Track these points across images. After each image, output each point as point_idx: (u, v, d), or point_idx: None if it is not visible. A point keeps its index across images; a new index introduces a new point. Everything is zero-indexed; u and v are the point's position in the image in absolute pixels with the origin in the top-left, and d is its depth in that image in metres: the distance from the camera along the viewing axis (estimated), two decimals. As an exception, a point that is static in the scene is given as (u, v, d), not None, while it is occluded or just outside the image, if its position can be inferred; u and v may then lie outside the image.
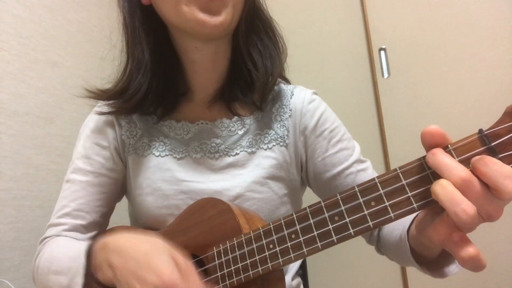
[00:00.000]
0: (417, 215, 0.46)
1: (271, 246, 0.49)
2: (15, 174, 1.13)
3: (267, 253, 0.49)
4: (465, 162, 0.35)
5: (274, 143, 0.71)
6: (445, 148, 0.37)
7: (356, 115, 1.58)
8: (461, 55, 1.45)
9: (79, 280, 0.55)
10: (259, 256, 0.50)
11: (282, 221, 0.48)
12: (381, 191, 0.40)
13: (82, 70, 1.45)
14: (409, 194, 0.39)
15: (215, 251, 0.55)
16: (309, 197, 0.76)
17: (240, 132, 0.71)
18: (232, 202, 0.63)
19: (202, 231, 0.59)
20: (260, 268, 0.50)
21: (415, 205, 0.38)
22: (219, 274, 0.54)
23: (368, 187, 0.41)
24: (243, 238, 0.52)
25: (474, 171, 0.34)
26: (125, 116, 0.73)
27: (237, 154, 0.70)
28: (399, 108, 1.53)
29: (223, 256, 0.54)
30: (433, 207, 0.38)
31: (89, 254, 0.56)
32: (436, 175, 0.37)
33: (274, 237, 0.49)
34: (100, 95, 0.70)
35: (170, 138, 0.72)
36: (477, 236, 0.36)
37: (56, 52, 1.35)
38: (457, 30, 1.45)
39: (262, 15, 0.72)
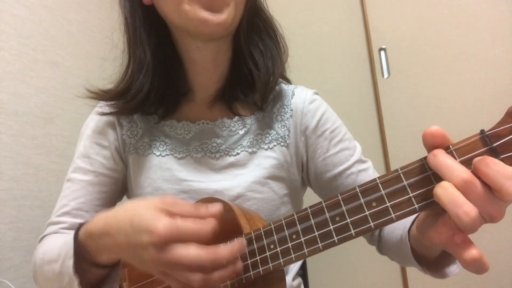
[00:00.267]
0: (418, 215, 0.46)
1: (272, 246, 0.49)
2: (15, 174, 1.13)
3: (267, 253, 0.49)
4: (467, 163, 0.35)
5: (275, 143, 0.71)
6: (447, 149, 0.37)
7: (356, 115, 1.58)
8: (461, 55, 1.44)
9: (70, 262, 0.52)
10: (260, 256, 0.50)
11: (283, 221, 0.48)
12: (383, 192, 0.40)
13: (82, 70, 1.45)
14: (411, 194, 0.39)
15: (215, 251, 0.55)
16: (310, 197, 0.76)
17: (241, 132, 0.71)
18: (233, 202, 0.63)
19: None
20: (261, 269, 0.49)
21: (416, 206, 0.38)
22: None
23: (369, 188, 0.41)
24: (243, 238, 0.52)
25: (475, 172, 0.34)
26: (126, 116, 0.73)
27: (237, 154, 0.70)
28: (399, 108, 1.53)
29: (223, 256, 0.54)
30: (434, 208, 0.38)
31: (78, 239, 0.53)
32: (437, 176, 0.37)
33: (275, 237, 0.49)
34: (101, 95, 0.70)
35: (171, 138, 0.72)
36: (477, 236, 0.36)
37: (56, 52, 1.34)
38: (457, 30, 1.45)
39: (263, 15, 0.72)
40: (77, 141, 0.75)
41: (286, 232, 0.48)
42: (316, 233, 0.45)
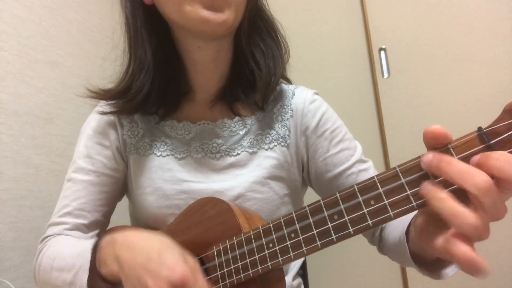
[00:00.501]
0: (415, 218, 0.46)
1: (270, 245, 0.49)
2: (15, 174, 1.13)
3: (266, 252, 0.49)
4: (464, 160, 0.35)
5: (275, 143, 0.71)
6: (445, 147, 0.37)
7: (356, 115, 1.58)
8: (461, 55, 1.44)
9: (84, 275, 0.55)
10: (258, 255, 0.50)
11: (282, 220, 0.48)
12: (381, 190, 0.40)
13: (82, 70, 1.45)
14: (408, 192, 0.39)
15: (215, 250, 0.55)
16: (310, 197, 0.75)
17: (242, 132, 0.71)
18: (233, 202, 0.63)
19: (202, 230, 0.59)
20: (259, 267, 0.50)
21: (414, 203, 0.38)
22: (219, 273, 0.54)
23: (368, 186, 0.41)
24: (242, 237, 0.52)
25: (482, 169, 0.34)
26: (127, 116, 0.73)
27: (238, 154, 0.70)
28: (399, 108, 1.53)
29: (223, 255, 0.54)
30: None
31: (95, 251, 0.56)
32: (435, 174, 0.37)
33: (274, 236, 0.49)
34: (102, 95, 0.70)
35: (172, 138, 0.72)
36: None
37: (56, 52, 1.35)
38: (457, 30, 1.45)
39: (265, 15, 0.72)
40: (77, 141, 0.75)
41: (285, 231, 0.48)
42: (315, 232, 0.45)
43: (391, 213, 0.40)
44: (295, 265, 0.79)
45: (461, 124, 1.42)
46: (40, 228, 1.17)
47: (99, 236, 0.56)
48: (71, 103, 1.36)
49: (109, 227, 0.75)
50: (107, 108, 0.70)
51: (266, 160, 0.69)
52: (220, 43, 0.68)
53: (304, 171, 0.74)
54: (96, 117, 0.74)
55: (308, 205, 0.46)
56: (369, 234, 0.72)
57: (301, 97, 0.74)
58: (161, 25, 0.68)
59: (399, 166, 0.40)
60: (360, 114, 1.58)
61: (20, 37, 1.21)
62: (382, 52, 1.57)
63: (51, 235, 0.68)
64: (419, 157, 0.39)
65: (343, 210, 0.43)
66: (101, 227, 0.72)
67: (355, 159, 0.70)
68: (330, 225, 0.44)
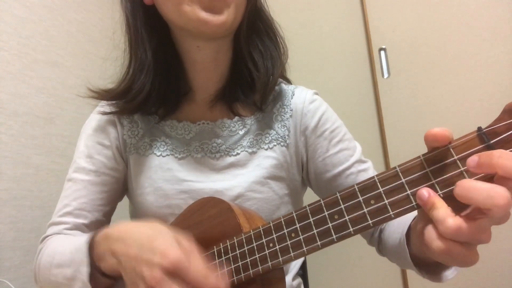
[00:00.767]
0: (415, 221, 0.46)
1: (271, 244, 0.49)
2: (15, 174, 1.13)
3: (267, 252, 0.49)
4: (464, 160, 0.35)
5: (275, 143, 0.71)
6: (445, 147, 0.37)
7: (356, 115, 1.58)
8: (461, 55, 1.44)
9: (84, 269, 0.54)
10: (259, 255, 0.50)
11: (282, 219, 0.49)
12: (381, 190, 0.41)
13: (82, 70, 1.45)
14: (408, 192, 0.39)
15: (215, 249, 0.55)
16: (310, 197, 0.76)
17: (241, 132, 0.71)
18: (233, 202, 0.63)
19: (202, 230, 0.59)
20: (260, 267, 0.50)
21: (414, 203, 0.38)
22: (219, 272, 0.54)
23: (368, 186, 0.42)
24: (243, 237, 0.52)
25: (485, 169, 0.33)
26: (127, 116, 0.73)
27: (238, 154, 0.70)
28: (399, 108, 1.53)
29: (223, 255, 0.54)
30: None
31: (91, 246, 0.55)
32: (435, 173, 0.37)
33: (274, 235, 0.49)
34: (103, 95, 0.70)
35: (172, 138, 0.72)
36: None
37: (56, 52, 1.35)
38: (457, 30, 1.45)
39: (264, 16, 0.72)
40: (77, 141, 0.76)
41: (285, 231, 0.48)
42: (315, 231, 0.45)
43: (391, 213, 0.40)
44: (295, 265, 0.79)
45: (461, 124, 1.42)
46: (40, 228, 1.17)
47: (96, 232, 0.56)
48: (71, 103, 1.37)
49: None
50: (107, 108, 0.70)
51: (266, 160, 0.70)
52: (219, 44, 0.68)
53: (303, 171, 0.74)
54: (96, 117, 0.74)
55: (309, 205, 0.46)
56: (368, 235, 0.72)
57: (301, 97, 0.74)
58: (161, 26, 0.68)
59: (399, 166, 0.40)
60: (360, 114, 1.58)
61: (20, 37, 1.21)
62: (382, 52, 1.57)
63: (51, 235, 0.68)
64: (419, 157, 0.39)
65: (344, 209, 0.43)
66: (101, 226, 0.72)
67: (354, 159, 0.70)
68: (330, 224, 0.44)
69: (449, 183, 0.36)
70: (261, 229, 0.51)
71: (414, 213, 0.42)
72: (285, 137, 0.71)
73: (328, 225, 0.44)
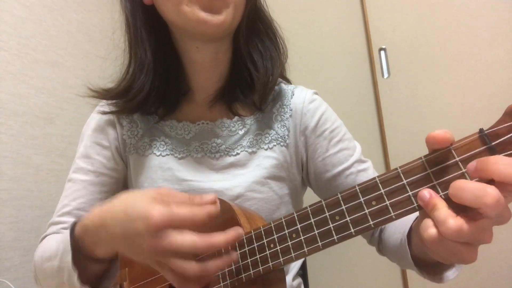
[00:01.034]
0: (417, 222, 0.46)
1: (272, 245, 0.49)
2: (15, 174, 1.13)
3: (267, 252, 0.49)
4: (466, 162, 0.35)
5: (275, 143, 0.71)
6: (447, 148, 0.37)
7: (356, 115, 1.58)
8: (461, 55, 1.44)
9: (68, 256, 0.52)
10: (260, 255, 0.50)
11: (283, 220, 0.49)
12: (382, 191, 0.41)
13: (82, 70, 1.45)
14: (410, 193, 0.39)
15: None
16: (310, 197, 0.76)
17: (241, 132, 0.71)
18: (233, 202, 0.63)
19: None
20: (261, 268, 0.50)
21: (415, 204, 0.38)
22: (220, 273, 0.54)
23: (369, 187, 0.42)
24: (244, 237, 0.52)
25: (481, 173, 0.33)
26: (127, 116, 0.73)
27: (237, 154, 0.70)
28: (399, 108, 1.53)
29: (223, 255, 0.54)
30: None
31: (74, 236, 0.53)
32: (437, 175, 0.37)
33: (275, 236, 0.49)
34: (103, 94, 0.70)
35: (171, 138, 0.72)
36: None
37: (56, 52, 1.35)
38: (457, 30, 1.45)
39: (263, 16, 0.72)
40: (77, 141, 0.76)
41: (286, 231, 0.48)
42: (316, 232, 0.45)
43: (392, 214, 0.40)
44: (295, 265, 0.79)
45: (461, 124, 1.42)
46: (40, 228, 1.17)
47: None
48: (71, 103, 1.36)
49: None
50: (107, 108, 0.70)
51: (266, 160, 0.70)
52: (218, 44, 0.68)
53: (303, 171, 0.74)
54: (96, 117, 0.74)
55: (310, 206, 0.46)
56: (368, 235, 0.72)
57: (300, 97, 0.74)
58: (161, 26, 0.68)
59: (400, 167, 0.40)
60: (360, 114, 1.58)
61: (20, 37, 1.21)
62: (382, 52, 1.56)
63: (49, 234, 0.68)
64: (420, 158, 0.39)
65: (345, 210, 0.43)
66: None
67: (354, 159, 0.70)
68: (331, 225, 0.44)
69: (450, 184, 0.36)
70: (262, 229, 0.51)
71: (416, 214, 0.42)
72: (285, 137, 0.71)
73: (329, 226, 0.44)
